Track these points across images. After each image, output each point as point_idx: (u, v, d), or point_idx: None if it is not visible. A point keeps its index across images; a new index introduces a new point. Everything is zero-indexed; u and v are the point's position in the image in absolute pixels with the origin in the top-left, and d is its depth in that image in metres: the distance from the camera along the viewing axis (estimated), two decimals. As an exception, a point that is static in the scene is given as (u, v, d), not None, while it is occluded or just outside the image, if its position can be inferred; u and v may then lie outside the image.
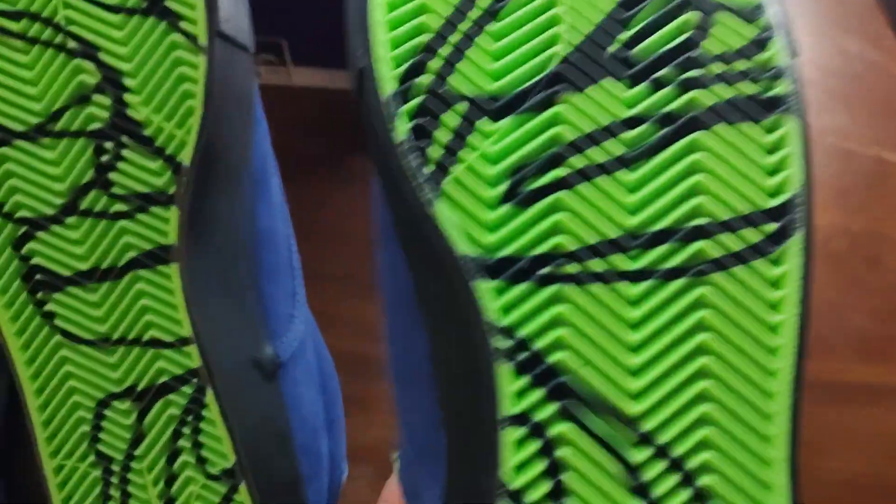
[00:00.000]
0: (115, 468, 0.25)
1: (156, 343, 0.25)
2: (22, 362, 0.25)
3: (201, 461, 0.25)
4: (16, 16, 0.24)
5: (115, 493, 0.25)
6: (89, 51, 0.23)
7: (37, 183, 0.24)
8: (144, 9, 0.23)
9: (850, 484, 0.41)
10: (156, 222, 0.24)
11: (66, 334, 0.25)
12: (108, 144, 0.24)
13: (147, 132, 0.24)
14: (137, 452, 0.25)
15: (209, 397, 0.24)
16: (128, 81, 0.23)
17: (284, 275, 0.29)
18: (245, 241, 0.27)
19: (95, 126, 0.24)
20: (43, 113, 0.24)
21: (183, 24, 0.23)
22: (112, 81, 0.24)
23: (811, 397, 0.40)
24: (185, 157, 0.24)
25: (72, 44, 0.24)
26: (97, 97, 0.24)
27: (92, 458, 0.25)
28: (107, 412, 0.25)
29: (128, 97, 0.24)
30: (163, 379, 0.25)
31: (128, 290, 0.24)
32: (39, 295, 0.25)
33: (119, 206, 0.24)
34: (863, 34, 0.46)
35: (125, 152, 0.24)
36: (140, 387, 0.25)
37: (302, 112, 0.37)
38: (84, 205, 0.24)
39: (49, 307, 0.25)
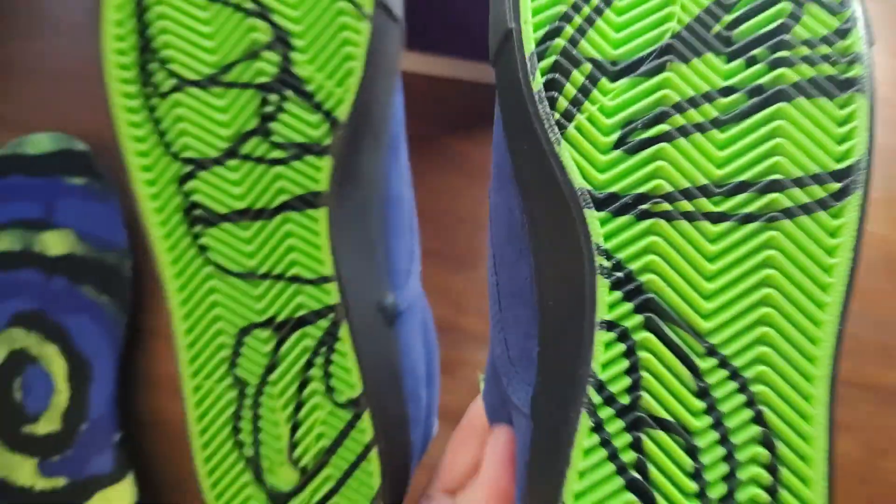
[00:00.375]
0: (249, 391, 0.28)
1: (298, 279, 0.27)
2: (174, 289, 0.28)
3: (329, 390, 0.28)
4: (199, -24, 0.27)
5: (246, 414, 0.28)
6: (263, 12, 0.26)
7: (204, 127, 0.27)
8: (317, -23, 0.26)
9: (906, 486, 0.44)
10: (309, 170, 0.27)
11: (217, 266, 0.28)
12: (273, 97, 0.27)
13: (309, 88, 0.27)
14: (271, 378, 0.28)
15: (343, 332, 0.27)
16: (296, 41, 0.26)
17: (406, 234, 0.32)
18: (379, 198, 0.30)
19: (262, 80, 0.27)
20: (216, 65, 0.27)
21: (351, -7, 0.26)
22: (281, 40, 0.26)
23: (876, 400, 0.42)
24: (342, 114, 0.27)
25: (248, 4, 0.27)
26: (266, 54, 0.27)
27: (229, 380, 0.28)
28: (247, 340, 0.28)
29: (294, 55, 0.26)
30: (302, 312, 0.28)
31: (277, 229, 0.27)
32: (196, 229, 0.28)
33: (277, 153, 0.27)
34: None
35: (287, 105, 0.27)
36: (280, 318, 0.28)
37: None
38: (245, 150, 0.27)
39: (204, 241, 0.28)
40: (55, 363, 0.40)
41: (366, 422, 0.28)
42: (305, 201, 0.27)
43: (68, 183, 0.42)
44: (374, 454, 0.27)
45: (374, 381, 0.28)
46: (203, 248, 0.28)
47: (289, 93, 0.27)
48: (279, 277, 0.28)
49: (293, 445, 0.28)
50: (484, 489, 0.27)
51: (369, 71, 0.26)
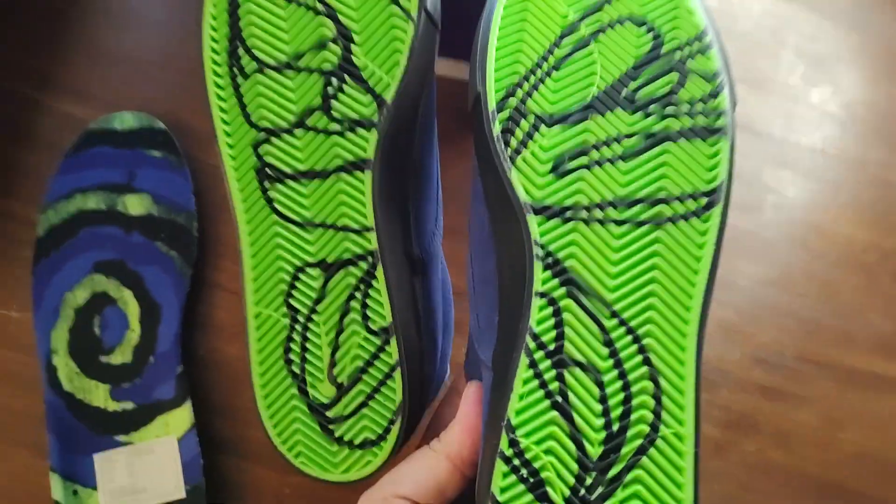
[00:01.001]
0: (300, 318, 0.34)
1: (346, 228, 0.34)
2: (245, 234, 0.34)
3: (365, 318, 0.34)
4: (282, -17, 0.33)
5: (296, 336, 0.35)
6: (331, 12, 0.33)
7: (278, 102, 0.34)
8: (374, -13, 0.33)
9: (864, 456, 0.49)
10: (360, 141, 0.33)
11: (281, 215, 0.34)
12: (334, 80, 0.33)
13: (363, 75, 0.33)
14: (318, 308, 0.34)
15: (379, 272, 0.33)
16: (355, 37, 0.33)
17: (432, 201, 0.38)
18: (413, 168, 0.36)
19: (326, 66, 0.33)
20: (290, 53, 0.33)
21: (402, 2, 0.32)
22: (344, 35, 0.33)
23: (834, 378, 0.47)
24: (388, 96, 0.33)
25: (318, 6, 0.33)
26: (331, 46, 0.33)
27: (283, 309, 0.35)
28: (300, 276, 0.34)
29: (353, 48, 0.33)
30: (347, 255, 0.34)
31: (331, 187, 0.34)
32: (266, 185, 0.34)
33: (335, 126, 0.33)
34: (911, 83, 0.54)
35: (345, 87, 0.33)
36: (329, 259, 0.34)
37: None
38: (309, 122, 0.33)
39: (271, 194, 0.34)
40: (130, 305, 0.46)
41: (393, 347, 0.34)
42: (355, 166, 0.33)
43: (148, 155, 0.48)
44: (397, 374, 0.34)
45: (401, 315, 0.34)
46: (270, 201, 0.34)
47: (347, 78, 0.33)
48: (330, 226, 0.34)
49: (332, 364, 0.34)
50: (459, 424, 0.33)
51: (411, 63, 0.33)
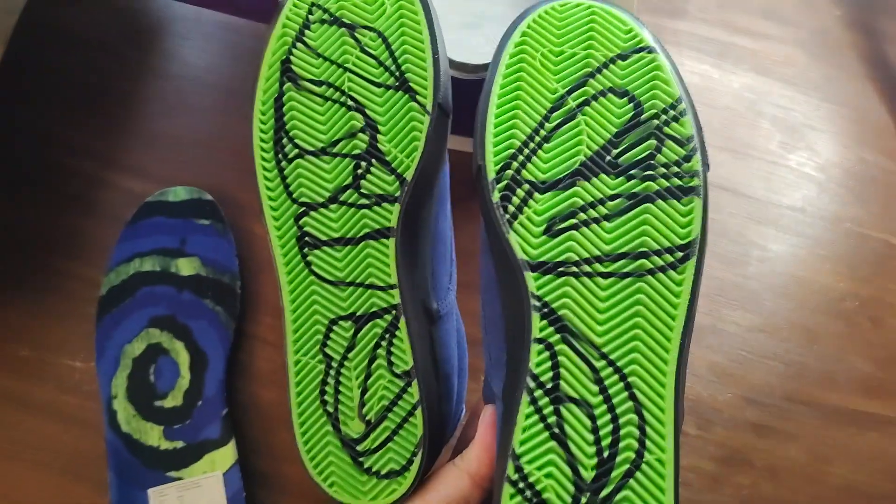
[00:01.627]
0: (334, 364, 0.39)
1: (373, 286, 0.39)
2: (287, 292, 0.40)
3: (390, 364, 0.39)
4: (319, 83, 0.39)
5: (330, 380, 0.39)
6: (360, 107, 0.39)
7: (315, 182, 0.39)
8: (396, 86, 0.39)
9: (849, 490, 0.52)
10: (384, 213, 0.39)
11: (317, 276, 0.39)
12: (363, 163, 0.39)
13: (387, 158, 0.39)
14: (350, 355, 0.39)
15: (402, 323, 0.38)
16: (381, 127, 0.39)
17: (447, 261, 0.43)
18: (430, 233, 0.41)
19: (356, 151, 0.39)
20: (326, 141, 0.39)
21: (418, 97, 0.38)
22: (371, 126, 0.39)
23: (820, 416, 0.51)
24: (408, 175, 0.38)
25: (350, 102, 0.39)
26: (360, 135, 0.39)
27: (319, 356, 0.40)
28: (334, 327, 0.39)
29: (379, 136, 0.39)
30: (374, 309, 0.39)
31: (361, 251, 0.39)
32: (305, 251, 0.39)
33: (364, 201, 0.39)
34: (878, 147, 0.59)
35: (372, 169, 0.39)
36: (358, 313, 0.39)
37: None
38: (342, 198, 0.39)
39: (309, 259, 0.39)
40: (181, 355, 0.51)
41: (414, 388, 0.38)
42: (381, 233, 0.39)
43: (197, 223, 0.53)
44: (419, 412, 0.38)
45: (421, 360, 0.39)
46: (309, 264, 0.39)
47: (374, 161, 0.39)
48: (360, 285, 0.39)
49: (362, 404, 0.39)
50: (476, 444, 0.37)
51: (427, 147, 0.38)
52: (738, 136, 0.58)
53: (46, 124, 0.57)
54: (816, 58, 0.61)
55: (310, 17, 0.40)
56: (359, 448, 0.39)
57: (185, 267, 0.52)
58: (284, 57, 0.39)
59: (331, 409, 0.39)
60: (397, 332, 0.38)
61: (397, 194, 0.38)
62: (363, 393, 0.39)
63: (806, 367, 0.54)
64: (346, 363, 0.39)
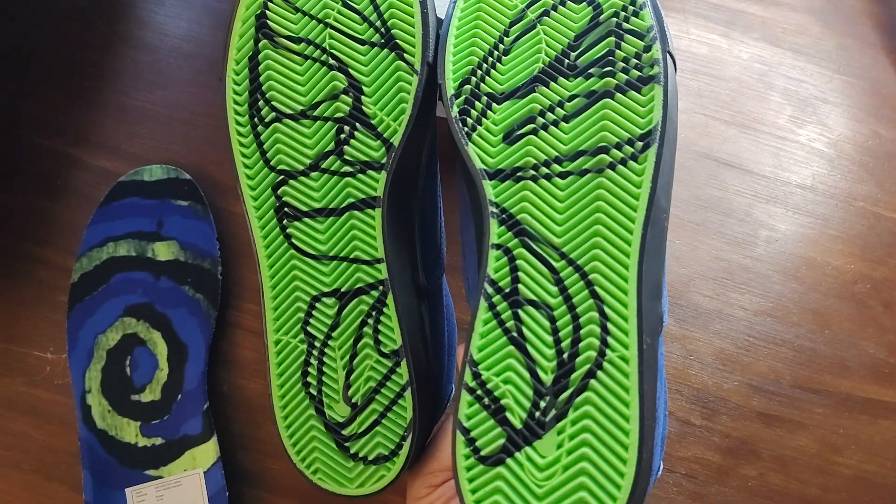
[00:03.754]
0: (317, 344, 0.37)
1: (358, 260, 0.37)
2: (266, 267, 0.37)
3: (377, 342, 0.36)
4: (297, 40, 0.37)
5: (313, 361, 0.37)
6: (342, 67, 0.36)
7: (295, 148, 0.37)
8: (382, 43, 0.36)
9: (860, 479, 0.50)
10: (370, 181, 0.36)
11: (298, 249, 0.37)
12: (346, 127, 0.36)
13: (373, 122, 0.36)
14: (334, 334, 0.37)
15: (389, 299, 0.36)
16: (365, 88, 0.36)
17: (435, 234, 0.41)
18: (417, 204, 0.39)
19: (339, 115, 0.37)
20: (306, 104, 0.37)
21: (406, 55, 0.36)
22: (355, 87, 0.36)
23: (830, 404, 0.49)
24: (395, 140, 0.36)
25: (332, 61, 0.37)
26: (343, 97, 0.36)
27: (301, 336, 0.37)
28: (317, 305, 0.37)
29: (363, 98, 0.36)
30: (359, 284, 0.37)
31: (344, 223, 0.37)
32: (284, 222, 0.37)
33: (347, 168, 0.36)
34: (894, 122, 0.57)
35: (356, 133, 0.36)
36: (343, 289, 0.37)
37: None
38: (324, 165, 0.37)
39: (289, 231, 0.37)
40: (159, 346, 0.49)
41: (403, 368, 0.36)
42: (366, 203, 0.36)
43: (175, 204, 0.51)
44: (408, 393, 0.36)
45: (411, 338, 0.36)
46: (288, 236, 0.37)
47: (358, 125, 0.36)
48: (344, 259, 0.37)
49: (347, 386, 0.37)
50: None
51: (416, 110, 0.36)
52: (746, 109, 0.56)
53: (11, 99, 0.55)
54: (830, 27, 0.59)
55: (287, -33, 0.37)
56: (344, 432, 0.36)
57: (163, 251, 0.50)
58: (259, 11, 0.37)
59: (314, 392, 0.37)
60: (385, 310, 0.36)
61: (383, 161, 0.36)
62: (349, 374, 0.37)
63: (816, 353, 0.52)
64: (329, 343, 0.37)
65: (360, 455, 0.36)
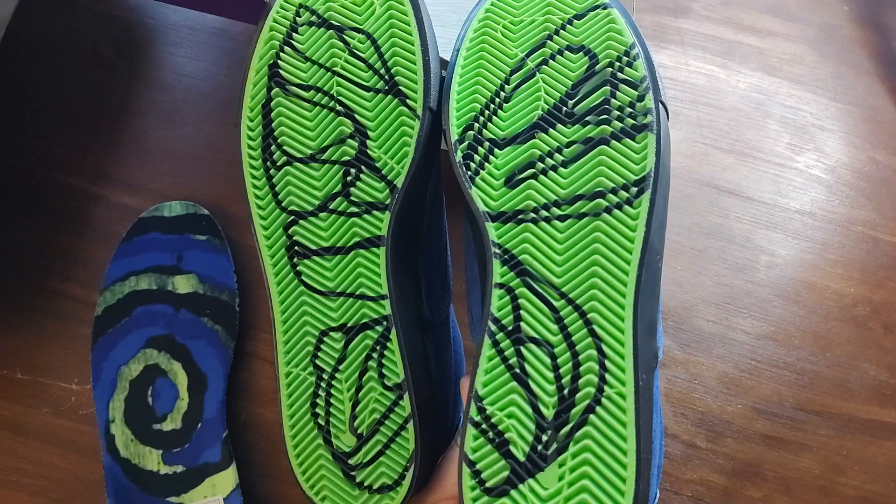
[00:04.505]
0: (324, 377, 0.38)
1: (363, 297, 0.38)
2: (277, 303, 0.39)
3: (381, 376, 0.38)
4: (307, 88, 0.39)
5: (321, 392, 0.39)
6: (349, 112, 0.38)
7: (304, 190, 0.39)
8: (386, 90, 0.38)
9: (864, 500, 0.50)
10: (375, 221, 0.38)
11: (307, 286, 0.39)
12: (352, 170, 0.38)
13: (377, 164, 0.38)
14: (340, 367, 0.38)
15: (393, 334, 0.37)
16: (370, 133, 0.38)
17: (440, 268, 0.42)
18: (422, 241, 0.40)
19: (346, 158, 0.38)
20: (315, 148, 0.39)
21: (408, 101, 0.38)
22: (360, 132, 0.38)
23: (833, 426, 0.50)
24: (399, 182, 0.38)
25: (339, 107, 0.38)
26: (349, 141, 0.38)
27: (310, 368, 0.39)
28: (325, 339, 0.38)
29: (368, 142, 0.38)
30: (364, 320, 0.38)
31: (351, 261, 0.38)
32: (294, 260, 0.39)
33: (353, 209, 0.38)
34: (890, 146, 0.58)
35: (362, 176, 0.38)
36: (349, 324, 0.38)
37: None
38: (332, 206, 0.38)
39: (299, 268, 0.39)
40: (179, 376, 0.50)
41: (406, 401, 0.37)
42: (371, 242, 0.38)
43: (194, 239, 0.53)
44: (410, 425, 0.37)
45: (414, 372, 0.38)
46: (298, 274, 0.39)
47: (363, 167, 0.38)
48: (350, 295, 0.38)
49: (353, 417, 0.38)
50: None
51: (418, 153, 0.37)
52: (745, 137, 0.57)
53: (35, 139, 0.57)
54: (825, 55, 0.60)
55: (297, 19, 0.39)
56: (350, 462, 0.38)
57: (183, 284, 0.52)
58: (272, 61, 0.39)
59: (322, 422, 0.38)
60: (388, 344, 0.38)
61: (388, 202, 0.38)
62: (354, 406, 0.38)
63: (818, 375, 0.52)
64: (337, 375, 0.38)
65: (366, 484, 0.38)
